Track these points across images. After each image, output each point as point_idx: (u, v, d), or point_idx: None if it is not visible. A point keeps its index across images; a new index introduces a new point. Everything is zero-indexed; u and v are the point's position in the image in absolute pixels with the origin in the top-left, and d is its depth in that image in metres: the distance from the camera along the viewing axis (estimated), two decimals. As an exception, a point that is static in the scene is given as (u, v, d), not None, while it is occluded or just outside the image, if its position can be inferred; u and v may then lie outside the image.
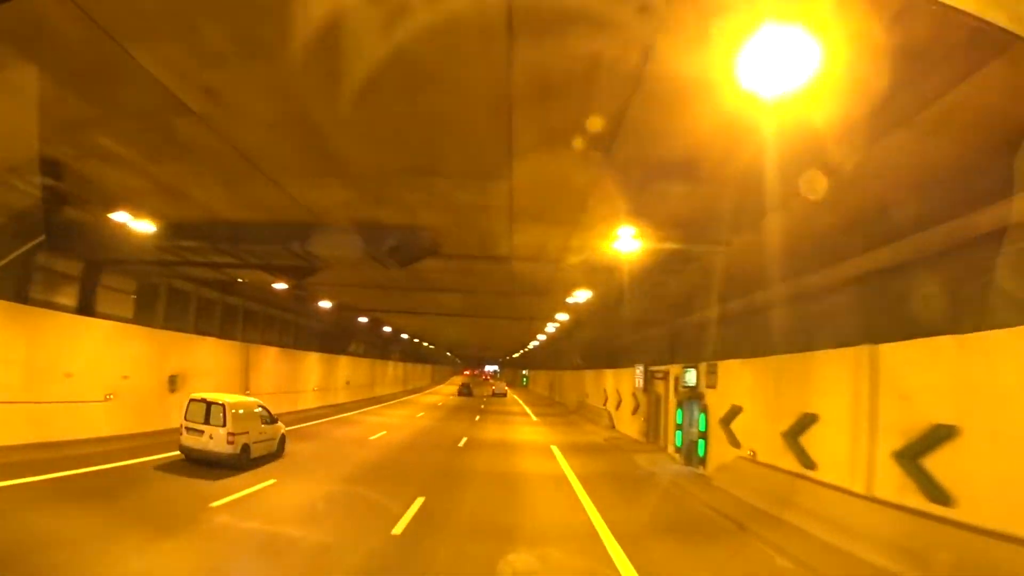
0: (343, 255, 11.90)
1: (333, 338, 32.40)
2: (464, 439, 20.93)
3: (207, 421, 11.84)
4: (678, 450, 16.91)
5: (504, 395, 53.72)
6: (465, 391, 50.83)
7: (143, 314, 16.57)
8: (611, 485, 13.55)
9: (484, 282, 16.29)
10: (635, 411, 22.68)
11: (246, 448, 12.28)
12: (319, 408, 27.34)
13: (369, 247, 10.88)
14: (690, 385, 15.65)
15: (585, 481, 13.50)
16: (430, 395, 52.12)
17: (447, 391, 60.52)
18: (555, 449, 19.52)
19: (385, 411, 31.23)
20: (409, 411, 32.34)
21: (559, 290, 16.08)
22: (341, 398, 32.63)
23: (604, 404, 28.77)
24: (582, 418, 32.83)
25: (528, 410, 40.45)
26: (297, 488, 11.10)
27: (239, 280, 17.40)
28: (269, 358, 24.11)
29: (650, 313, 18.12)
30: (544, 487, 13.08)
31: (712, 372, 14.56)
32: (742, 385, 12.90)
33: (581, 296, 16.47)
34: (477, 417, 31.29)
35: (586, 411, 33.30)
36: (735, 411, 13.19)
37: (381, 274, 14.18)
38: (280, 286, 17.61)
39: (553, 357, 48.42)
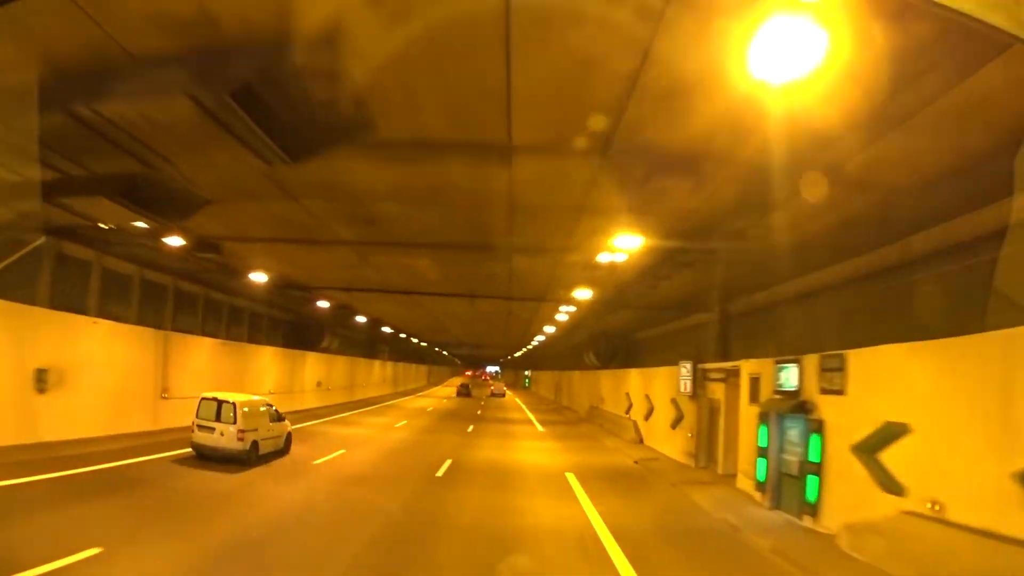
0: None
1: (302, 331, 28.69)
2: (447, 463, 15.39)
3: (218, 419, 12.29)
4: (759, 485, 11.81)
5: (503, 395, 54.40)
6: (464, 391, 51.52)
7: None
8: (678, 555, 8.58)
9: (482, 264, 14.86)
10: (676, 423, 18.05)
11: (255, 445, 12.86)
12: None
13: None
14: (789, 389, 10.69)
15: (632, 547, 8.45)
16: (422, 398, 47.87)
17: (443, 393, 56.49)
18: (572, 479, 14.19)
19: (360, 419, 26.37)
20: (389, 419, 27.43)
21: (571, 271, 14.38)
22: (309, 402, 28.59)
23: (627, 412, 24.15)
24: (599, 428, 27.92)
25: (532, 417, 35.40)
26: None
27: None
28: (201, 352, 19.33)
29: (687, 295, 15.32)
30: (567, 566, 7.84)
31: (835, 369, 9.56)
32: (909, 388, 8.18)
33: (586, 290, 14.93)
34: (470, 427, 26.02)
35: (602, 419, 28.58)
36: (892, 432, 8.33)
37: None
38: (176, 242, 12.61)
39: (559, 356, 44.73)
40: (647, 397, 20.85)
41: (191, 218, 10.03)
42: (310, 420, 22.56)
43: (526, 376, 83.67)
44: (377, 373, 44.59)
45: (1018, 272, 6.11)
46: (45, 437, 10.84)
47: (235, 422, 12.42)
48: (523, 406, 43.57)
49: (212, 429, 12.43)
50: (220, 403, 12.47)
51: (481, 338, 42.78)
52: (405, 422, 25.65)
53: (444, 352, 69.38)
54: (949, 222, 7.31)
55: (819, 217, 7.83)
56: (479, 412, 34.83)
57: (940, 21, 3.38)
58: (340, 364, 34.03)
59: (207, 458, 12.32)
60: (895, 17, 3.88)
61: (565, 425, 29.34)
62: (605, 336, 27.48)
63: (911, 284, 8.41)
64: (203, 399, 12.65)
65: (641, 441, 21.27)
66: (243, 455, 12.44)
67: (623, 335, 26.32)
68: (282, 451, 14.44)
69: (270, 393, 20.36)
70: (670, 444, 18.01)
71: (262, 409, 13.55)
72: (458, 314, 26.46)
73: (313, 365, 29.34)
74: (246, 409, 12.72)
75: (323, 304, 23.30)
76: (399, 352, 51.47)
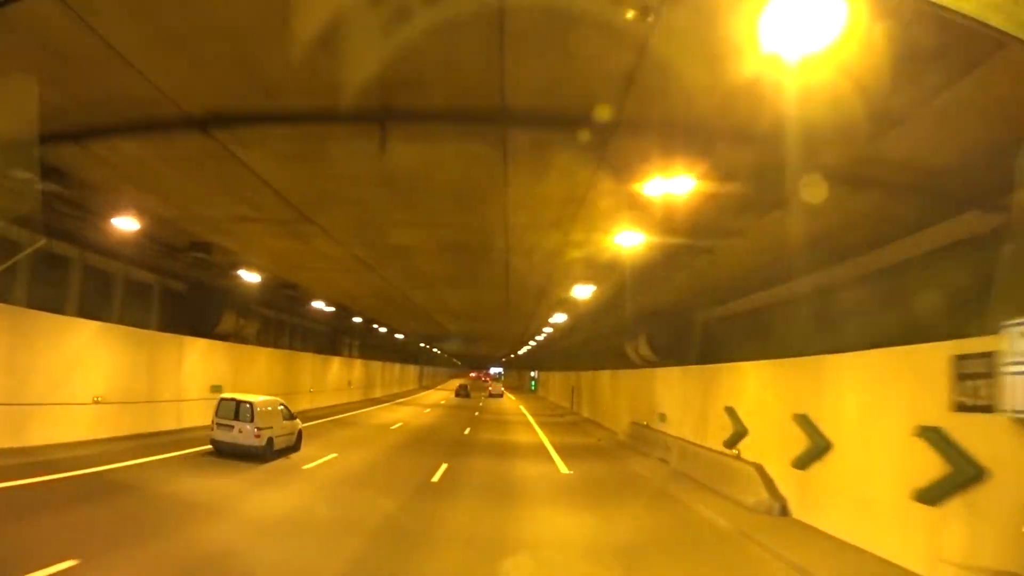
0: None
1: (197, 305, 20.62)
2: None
3: (236, 417, 14.50)
4: None
5: (500, 396, 63.89)
6: (463, 392, 58.90)
7: None
8: None
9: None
10: (947, 490, 7.69)
11: (270, 441, 15.01)
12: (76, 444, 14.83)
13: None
14: None
15: None
16: (402, 406, 41.71)
17: (431, 399, 51.91)
18: None
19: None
20: (315, 449, 17.78)
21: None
22: (188, 418, 19.25)
23: (732, 445, 14.73)
24: (660, 465, 18.33)
25: (545, 440, 25.45)
26: None
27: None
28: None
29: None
30: None
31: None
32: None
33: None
34: (443, 468, 16.20)
35: (664, 449, 19.23)
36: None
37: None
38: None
39: (576, 351, 39.28)
40: (805, 421, 11.49)
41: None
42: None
43: (532, 378, 78.02)
44: (336, 375, 37.67)
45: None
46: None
47: (252, 420, 14.47)
48: (531, 420, 36.30)
49: (231, 427, 14.48)
50: (239, 403, 14.64)
51: (476, 324, 35.41)
52: (335, 456, 16.94)
53: (436, 350, 67.92)
54: None
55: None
56: (467, 432, 26.96)
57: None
58: (261, 360, 25.81)
59: (225, 454, 14.45)
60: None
61: (601, 458, 20.53)
62: (661, 317, 20.13)
63: None
64: (222, 399, 15.03)
65: (784, 510, 12.04)
66: (260, 451, 14.55)
67: (689, 313, 18.85)
68: (293, 447, 16.67)
69: (96, 403, 15.47)
70: (906, 537, 8.53)
71: (277, 408, 15.93)
72: (453, 297, 22.65)
73: (205, 357, 21.22)
74: (264, 408, 15.03)
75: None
76: (377, 348, 48.21)
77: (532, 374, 75.33)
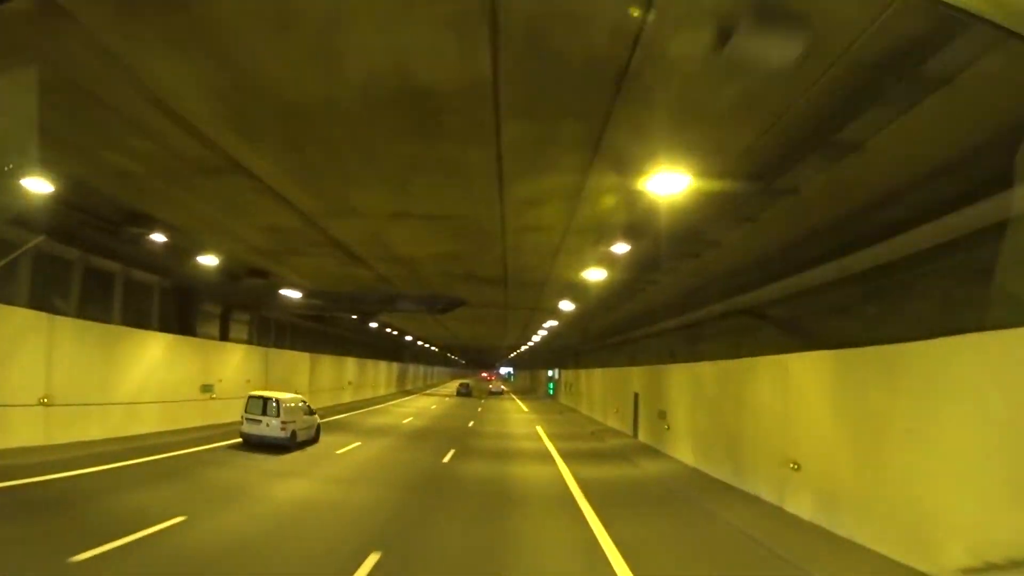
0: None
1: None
2: None
3: (264, 413, 16.51)
4: None
5: (501, 393, 65.99)
6: (464, 391, 59.72)
7: None
8: None
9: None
10: None
11: (294, 434, 17.06)
12: None
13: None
14: None
15: None
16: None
17: (416, 407, 41.37)
18: None
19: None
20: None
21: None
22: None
23: None
24: None
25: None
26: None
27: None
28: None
29: None
30: None
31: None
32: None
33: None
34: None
35: None
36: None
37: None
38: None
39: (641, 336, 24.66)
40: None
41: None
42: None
43: (550, 379, 58.64)
44: (236, 366, 24.12)
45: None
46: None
47: (279, 415, 16.44)
48: (558, 462, 18.17)
49: (259, 421, 16.45)
50: (266, 400, 16.68)
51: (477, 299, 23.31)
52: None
53: (427, 346, 60.54)
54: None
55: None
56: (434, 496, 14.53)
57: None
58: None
59: (254, 446, 16.21)
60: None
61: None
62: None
63: None
64: (251, 397, 17.00)
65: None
66: (285, 442, 16.58)
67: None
68: (313, 440, 18.62)
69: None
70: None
71: (299, 404, 17.99)
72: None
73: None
74: (289, 404, 17.05)
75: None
76: (369, 348, 45.25)
77: (550, 373, 56.54)
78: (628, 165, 7.92)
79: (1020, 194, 5.64)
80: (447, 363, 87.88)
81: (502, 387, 73.00)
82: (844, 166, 6.62)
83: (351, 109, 6.86)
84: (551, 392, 57.01)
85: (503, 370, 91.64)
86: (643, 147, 7.30)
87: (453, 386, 70.93)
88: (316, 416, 19.29)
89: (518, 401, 54.89)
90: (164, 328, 18.52)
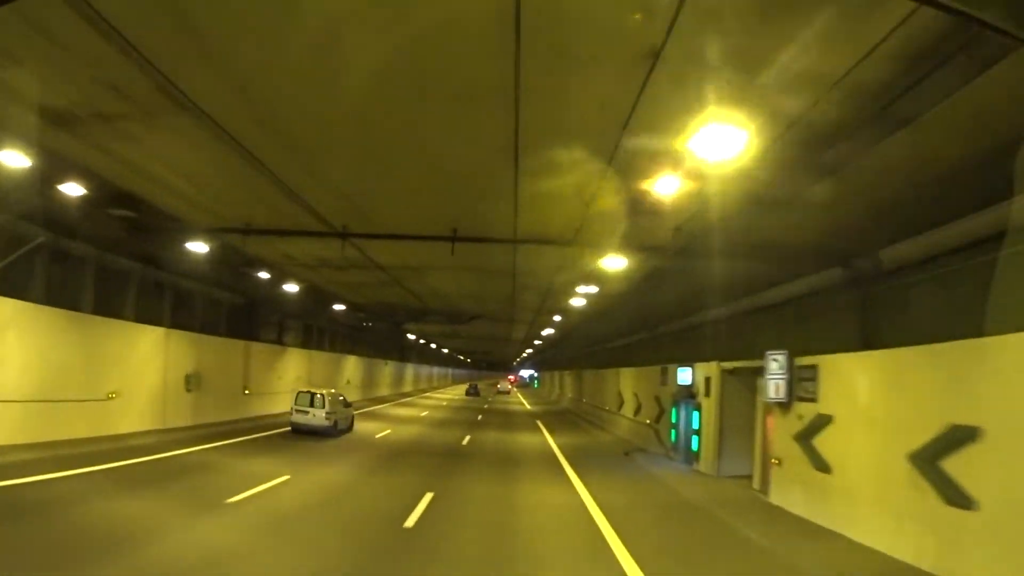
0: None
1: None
2: None
3: (311, 405, 19.90)
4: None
5: (508, 392, 68.61)
6: (473, 391, 61.47)
7: None
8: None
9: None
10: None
11: (336, 423, 20.51)
12: None
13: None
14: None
15: None
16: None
17: (395, 416, 34.00)
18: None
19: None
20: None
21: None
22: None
23: None
24: None
25: None
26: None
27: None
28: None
29: None
30: None
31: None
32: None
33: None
34: None
35: None
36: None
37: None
38: None
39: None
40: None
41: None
42: None
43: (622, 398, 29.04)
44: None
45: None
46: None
47: (324, 407, 19.80)
48: None
49: (307, 412, 19.78)
50: (313, 395, 20.09)
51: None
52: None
53: (417, 340, 51.76)
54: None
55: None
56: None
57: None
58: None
59: (302, 433, 19.50)
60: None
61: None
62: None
63: None
64: (299, 392, 20.46)
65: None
66: (329, 430, 20.00)
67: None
68: (348, 428, 22.12)
69: None
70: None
71: (339, 398, 21.64)
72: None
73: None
74: (332, 398, 20.51)
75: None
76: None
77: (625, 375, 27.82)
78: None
79: None
80: (465, 366, 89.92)
81: (509, 386, 73.78)
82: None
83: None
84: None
85: (524, 373, 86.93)
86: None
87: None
88: (352, 408, 23.12)
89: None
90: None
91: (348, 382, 33.96)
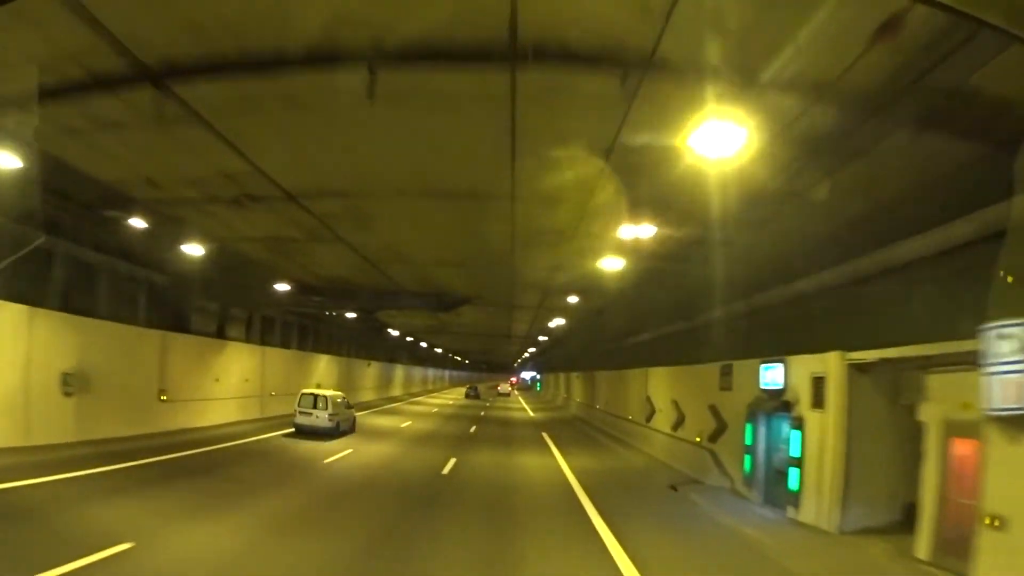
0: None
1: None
2: None
3: (315, 407, 20.23)
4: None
5: (508, 394, 68.93)
6: (473, 393, 59.77)
7: None
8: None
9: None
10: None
11: (338, 424, 21.03)
12: None
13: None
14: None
15: None
16: None
17: (368, 429, 31.57)
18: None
19: None
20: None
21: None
22: None
23: None
24: None
25: None
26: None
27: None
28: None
29: None
30: None
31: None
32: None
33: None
34: None
35: None
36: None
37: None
38: None
39: None
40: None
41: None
42: None
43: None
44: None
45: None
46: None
47: (328, 409, 20.11)
48: None
49: (310, 414, 20.06)
50: (316, 396, 20.36)
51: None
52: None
53: (409, 337, 48.91)
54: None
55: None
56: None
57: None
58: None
59: (305, 434, 19.68)
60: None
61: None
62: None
63: None
64: (303, 393, 20.66)
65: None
66: (331, 430, 20.35)
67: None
68: (350, 430, 22.44)
69: None
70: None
71: (341, 400, 21.82)
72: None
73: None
74: (335, 400, 20.88)
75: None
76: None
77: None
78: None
79: None
80: (463, 368, 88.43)
81: (509, 388, 73.81)
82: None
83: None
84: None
85: (526, 375, 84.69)
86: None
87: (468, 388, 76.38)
88: (353, 410, 23.61)
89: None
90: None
91: (318, 385, 28.50)
